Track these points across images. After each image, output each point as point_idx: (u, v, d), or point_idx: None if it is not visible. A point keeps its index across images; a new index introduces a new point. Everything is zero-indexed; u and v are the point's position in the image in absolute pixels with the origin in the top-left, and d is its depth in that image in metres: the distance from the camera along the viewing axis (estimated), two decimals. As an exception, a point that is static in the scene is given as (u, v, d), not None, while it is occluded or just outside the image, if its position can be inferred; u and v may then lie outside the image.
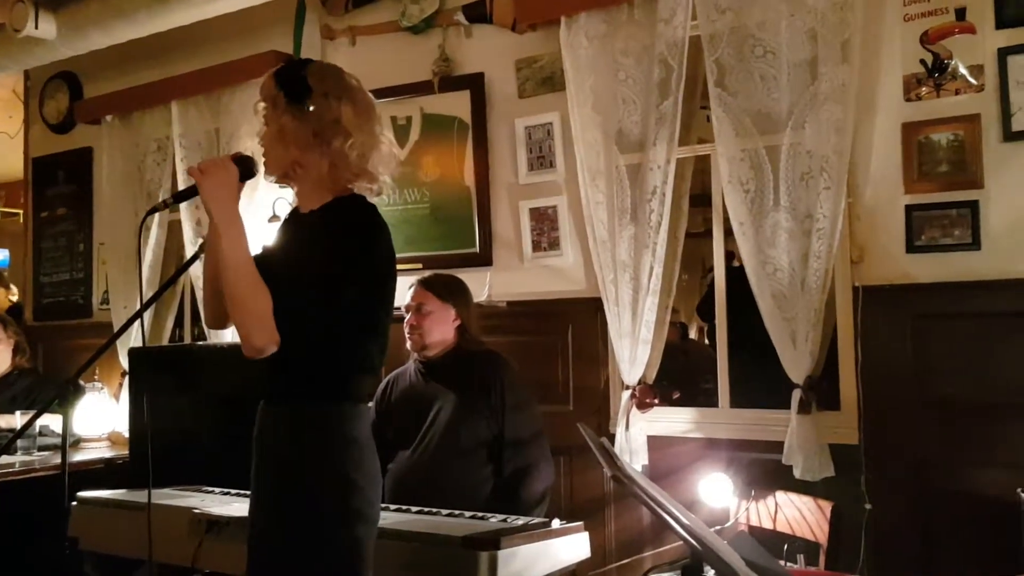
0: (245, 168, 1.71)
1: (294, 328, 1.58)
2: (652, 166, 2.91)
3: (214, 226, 1.74)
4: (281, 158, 1.70)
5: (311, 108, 1.66)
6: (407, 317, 2.68)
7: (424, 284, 2.72)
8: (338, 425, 1.65)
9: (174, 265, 4.30)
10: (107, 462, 3.46)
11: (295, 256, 1.66)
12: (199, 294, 3.77)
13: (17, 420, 3.41)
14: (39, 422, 3.41)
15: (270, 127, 1.70)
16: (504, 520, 2.14)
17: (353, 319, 1.65)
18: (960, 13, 2.51)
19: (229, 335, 3.83)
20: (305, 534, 1.61)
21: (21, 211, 5.78)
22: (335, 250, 1.62)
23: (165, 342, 4.23)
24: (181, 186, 3.74)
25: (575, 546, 2.14)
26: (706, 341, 5.02)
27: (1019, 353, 2.43)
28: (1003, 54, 2.45)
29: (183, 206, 4.01)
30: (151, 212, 1.80)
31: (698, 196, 3.24)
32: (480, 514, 2.22)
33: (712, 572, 1.47)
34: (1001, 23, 2.46)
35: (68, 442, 3.46)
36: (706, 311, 3.32)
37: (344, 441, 1.64)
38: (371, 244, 1.67)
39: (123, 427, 3.96)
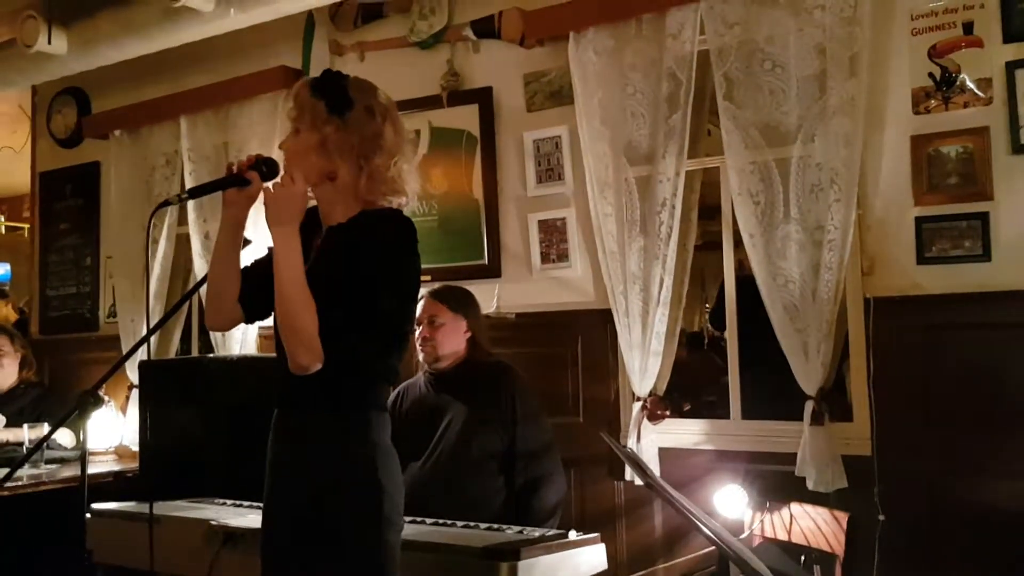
0: (270, 171, 1.73)
1: (329, 338, 1.59)
2: (661, 178, 2.93)
3: (226, 229, 1.75)
4: (317, 168, 1.71)
5: (353, 121, 1.68)
6: (420, 329, 2.68)
7: (436, 296, 2.73)
8: (367, 433, 1.66)
9: (181, 278, 4.31)
10: (116, 475, 3.45)
11: (331, 267, 1.66)
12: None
13: (25, 434, 3.40)
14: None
15: (307, 136, 1.70)
16: (521, 531, 2.14)
17: (386, 330, 1.67)
18: (967, 27, 2.54)
19: (237, 346, 3.86)
20: (337, 541, 1.61)
21: (26, 225, 5.79)
22: (377, 262, 1.64)
23: (173, 355, 4.22)
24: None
25: (592, 557, 2.14)
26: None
27: (1031, 364, 2.45)
28: (1011, 67, 2.48)
29: (192, 219, 4.03)
30: (163, 205, 1.79)
31: (700, 208, 3.24)
32: (496, 525, 2.22)
33: (736, 580, 1.48)
34: (1008, 37, 2.49)
35: (77, 455, 3.48)
36: (717, 321, 3.33)
37: (374, 448, 1.66)
38: (410, 257, 1.70)
39: (130, 440, 3.96)
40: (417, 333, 2.68)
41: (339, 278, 1.63)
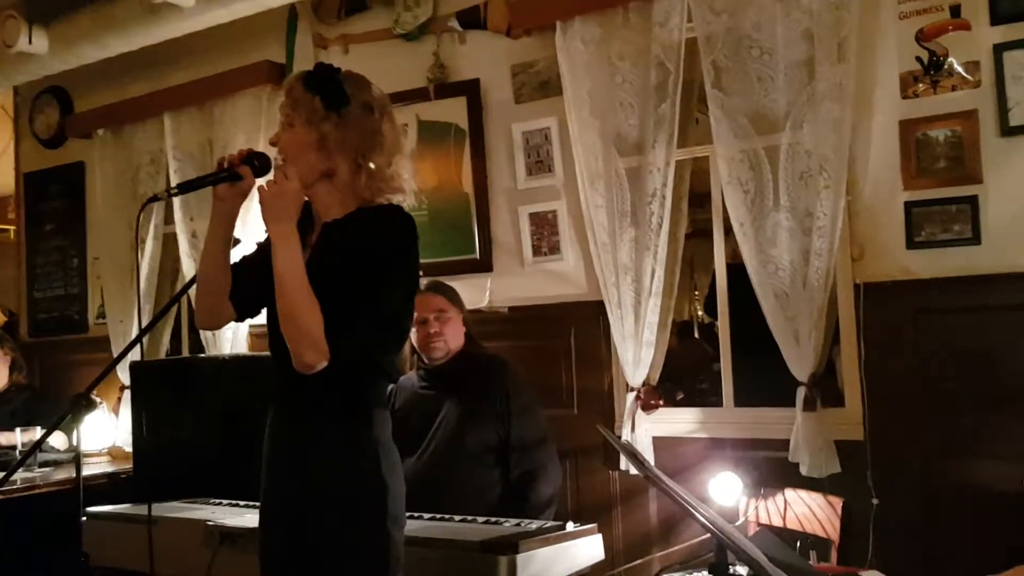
0: (262, 166, 1.71)
1: (330, 335, 1.58)
2: (651, 169, 2.92)
3: (217, 224, 1.72)
4: (315, 166, 1.67)
5: (350, 117, 1.65)
6: (425, 325, 2.65)
7: (438, 291, 2.72)
8: (370, 430, 1.65)
9: (169, 278, 4.28)
10: (110, 476, 3.44)
11: (330, 264, 1.63)
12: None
13: (17, 437, 3.39)
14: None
15: (303, 133, 1.66)
16: (518, 524, 2.15)
17: (388, 326, 1.66)
18: (955, 10, 2.54)
19: (228, 345, 3.84)
20: (343, 539, 1.61)
21: (11, 227, 5.74)
22: (379, 258, 1.61)
23: (163, 355, 4.20)
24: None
25: (589, 548, 2.15)
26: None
27: (1021, 346, 2.45)
28: (999, 50, 2.48)
29: (178, 219, 4.00)
30: (152, 200, 1.77)
31: (690, 197, 3.23)
32: (493, 519, 2.23)
33: (735, 568, 1.48)
34: (996, 19, 2.49)
35: (70, 458, 3.47)
36: (712, 309, 3.34)
37: (376, 446, 1.65)
38: (411, 253, 1.68)
39: (123, 441, 3.94)
40: (423, 329, 2.65)
41: (339, 275, 1.60)
